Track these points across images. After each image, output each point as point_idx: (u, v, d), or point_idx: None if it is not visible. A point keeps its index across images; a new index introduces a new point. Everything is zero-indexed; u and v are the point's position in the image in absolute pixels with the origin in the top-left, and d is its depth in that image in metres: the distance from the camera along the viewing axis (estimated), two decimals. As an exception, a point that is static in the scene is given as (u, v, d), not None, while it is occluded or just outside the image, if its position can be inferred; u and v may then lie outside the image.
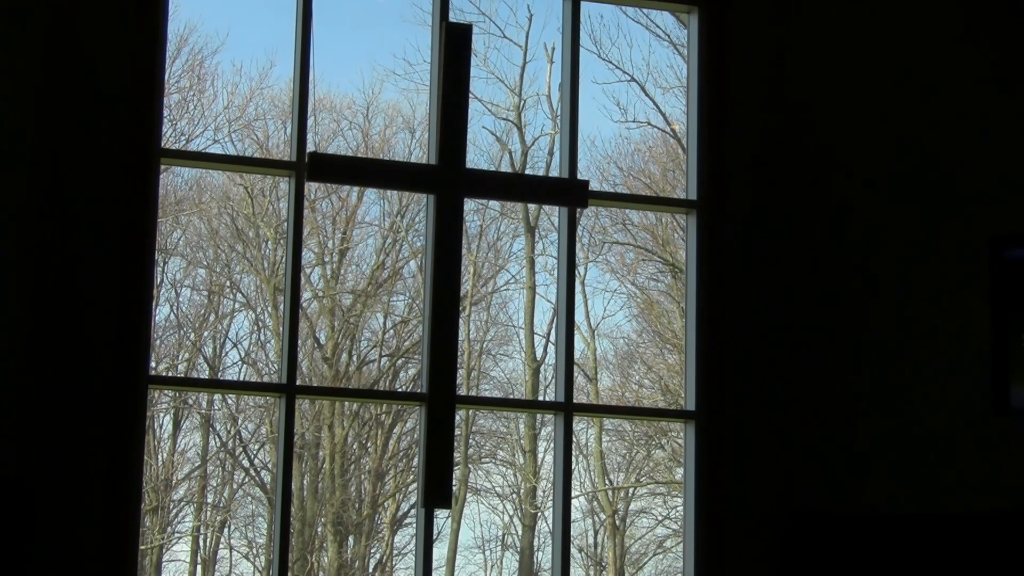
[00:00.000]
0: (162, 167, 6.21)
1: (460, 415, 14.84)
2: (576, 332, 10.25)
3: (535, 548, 15.96)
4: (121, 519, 5.69)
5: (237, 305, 16.10)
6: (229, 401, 15.81)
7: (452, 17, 6.54)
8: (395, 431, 16.18)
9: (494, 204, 15.82)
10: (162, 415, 15.69)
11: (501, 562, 16.27)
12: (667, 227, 16.30)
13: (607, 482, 16.28)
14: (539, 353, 16.04)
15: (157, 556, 15.44)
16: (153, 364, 13.44)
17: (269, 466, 15.76)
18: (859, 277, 6.55)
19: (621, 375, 16.55)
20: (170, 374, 15.62)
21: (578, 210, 6.81)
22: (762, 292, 6.52)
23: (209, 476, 15.92)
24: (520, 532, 16.12)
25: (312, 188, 15.37)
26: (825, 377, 6.47)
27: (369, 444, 16.12)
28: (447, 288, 5.96)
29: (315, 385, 15.28)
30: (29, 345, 5.66)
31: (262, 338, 16.00)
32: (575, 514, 15.57)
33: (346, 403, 16.00)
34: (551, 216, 15.29)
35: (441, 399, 5.89)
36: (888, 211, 6.58)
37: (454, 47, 6.07)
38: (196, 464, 15.80)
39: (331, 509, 15.65)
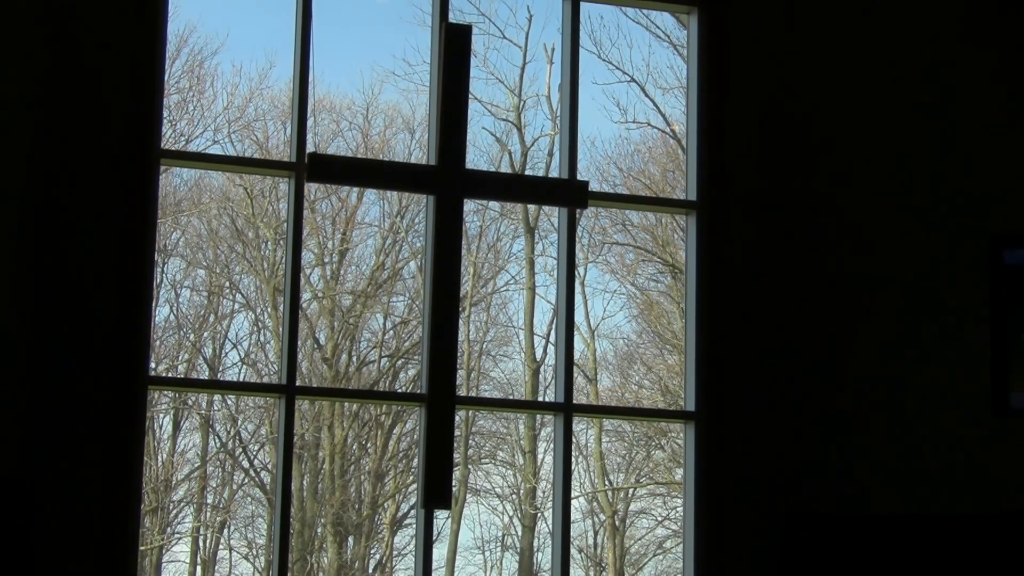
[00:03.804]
0: (162, 168, 6.21)
1: (460, 416, 14.85)
2: (576, 333, 10.26)
3: (535, 549, 15.97)
4: (121, 520, 5.69)
5: (237, 306, 16.12)
6: (229, 402, 15.81)
7: (452, 18, 6.54)
8: (395, 432, 16.18)
9: (494, 205, 15.83)
10: (162, 416, 15.70)
11: (501, 563, 16.28)
12: (667, 228, 16.31)
13: (607, 483, 16.29)
14: (539, 354, 16.05)
15: (157, 557, 15.44)
16: (153, 365, 13.45)
17: (269, 467, 15.77)
18: (859, 277, 6.55)
19: (621, 376, 16.56)
20: (170, 375, 15.63)
21: (578, 211, 6.81)
22: (762, 292, 6.51)
23: (209, 477, 15.93)
24: (520, 533, 16.12)
25: (312, 189, 15.37)
26: (825, 377, 6.47)
27: (369, 445, 16.13)
28: (447, 289, 5.96)
29: (315, 386, 15.28)
30: (29, 345, 5.66)
31: (262, 339, 16.02)
32: (575, 515, 15.58)
33: (346, 404, 16.01)
34: (551, 217, 15.30)
35: (441, 400, 5.89)
36: (888, 211, 6.58)
37: (454, 48, 6.07)
38: (196, 465, 15.81)
39: (331, 510, 15.66)
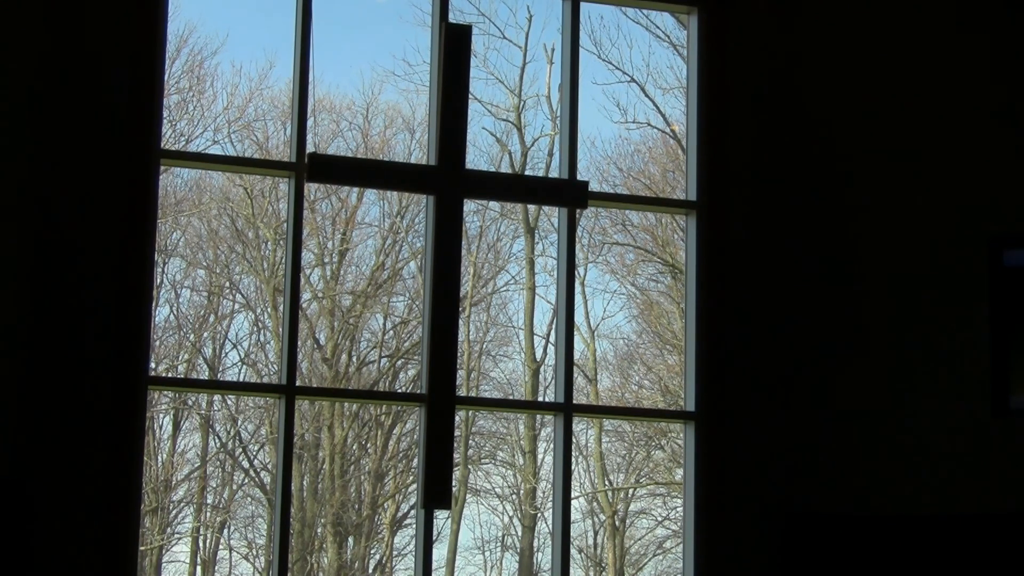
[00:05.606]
0: (162, 168, 6.21)
1: (460, 416, 14.84)
2: (576, 333, 10.26)
3: (535, 549, 15.97)
4: (120, 520, 5.69)
5: (237, 306, 16.12)
6: (229, 402, 15.81)
7: (452, 18, 6.54)
8: (395, 432, 16.18)
9: (494, 205, 15.83)
10: (162, 416, 15.70)
11: (501, 563, 16.28)
12: (667, 228, 16.31)
13: (607, 483, 16.29)
14: (539, 354, 16.05)
15: (157, 557, 15.44)
16: (153, 365, 13.44)
17: (269, 467, 15.77)
18: (858, 277, 6.55)
19: (621, 376, 16.56)
20: (170, 375, 15.62)
21: (578, 211, 6.81)
22: (762, 292, 6.51)
23: (209, 477, 15.93)
24: (520, 533, 16.12)
25: (312, 189, 15.37)
26: (825, 378, 6.47)
27: (369, 445, 16.13)
28: (447, 289, 5.96)
29: (315, 386, 15.27)
30: (28, 346, 5.66)
31: (262, 339, 16.02)
32: (575, 515, 15.58)
33: (346, 404, 16.00)
34: (551, 217, 15.30)
35: (441, 400, 5.89)
36: (888, 211, 6.58)
37: (454, 48, 6.07)
38: (196, 465, 15.81)
39: (331, 510, 15.65)
